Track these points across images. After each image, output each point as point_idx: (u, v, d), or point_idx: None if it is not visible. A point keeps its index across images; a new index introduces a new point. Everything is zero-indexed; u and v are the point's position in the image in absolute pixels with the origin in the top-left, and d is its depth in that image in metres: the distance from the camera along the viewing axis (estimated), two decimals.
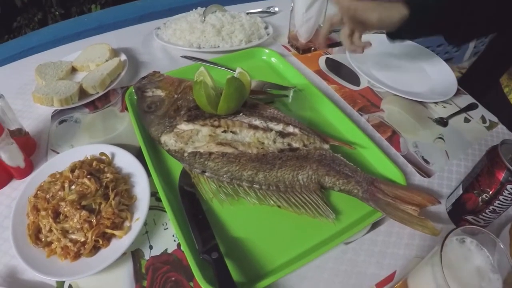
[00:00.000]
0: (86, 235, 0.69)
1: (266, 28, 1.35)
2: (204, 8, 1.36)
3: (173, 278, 0.68)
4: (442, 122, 1.02)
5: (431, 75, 1.18)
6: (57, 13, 2.76)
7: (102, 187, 0.75)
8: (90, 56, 1.17)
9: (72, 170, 0.78)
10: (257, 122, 0.85)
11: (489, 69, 1.31)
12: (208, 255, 0.65)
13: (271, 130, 0.84)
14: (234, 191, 0.78)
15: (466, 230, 0.56)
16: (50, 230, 0.70)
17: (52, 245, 0.69)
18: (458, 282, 0.52)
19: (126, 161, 0.84)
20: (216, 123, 0.85)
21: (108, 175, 0.78)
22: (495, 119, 1.05)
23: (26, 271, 0.69)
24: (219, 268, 0.63)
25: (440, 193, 0.84)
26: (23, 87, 1.11)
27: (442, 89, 1.10)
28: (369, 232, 0.76)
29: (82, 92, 1.04)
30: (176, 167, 0.84)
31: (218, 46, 1.24)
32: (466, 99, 1.11)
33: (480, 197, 0.70)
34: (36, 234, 0.71)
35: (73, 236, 0.69)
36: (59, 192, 0.74)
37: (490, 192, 0.68)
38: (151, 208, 0.77)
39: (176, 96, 0.93)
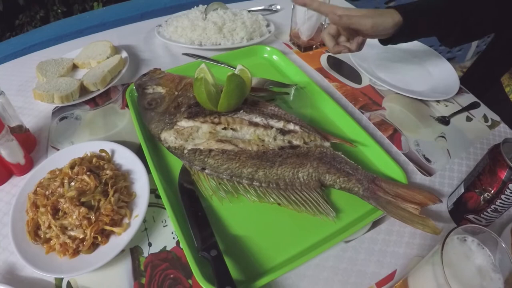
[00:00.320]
0: (85, 232, 0.68)
1: (267, 25, 1.34)
2: (205, 5, 1.35)
3: (171, 276, 0.67)
4: (444, 120, 1.01)
5: (433, 74, 1.18)
6: (59, 10, 2.76)
7: (102, 184, 0.75)
8: (91, 53, 1.17)
9: (72, 167, 0.78)
10: (257, 119, 0.85)
11: (491, 68, 1.30)
12: (207, 252, 0.65)
13: (272, 127, 0.84)
14: (234, 189, 0.78)
15: (467, 229, 0.56)
16: (49, 227, 0.70)
17: (51, 241, 0.69)
18: (459, 282, 0.52)
19: (126, 158, 0.84)
20: (216, 120, 0.84)
21: (108, 172, 0.78)
22: (497, 118, 1.04)
23: (25, 267, 0.69)
24: (218, 265, 0.63)
25: (442, 192, 0.84)
26: (24, 84, 1.11)
27: (444, 87, 1.10)
28: (369, 231, 0.75)
29: (83, 89, 1.04)
30: (176, 164, 0.84)
31: (220, 44, 1.24)
32: (468, 98, 1.10)
33: (482, 196, 0.70)
34: (35, 231, 0.71)
35: (72, 233, 0.69)
36: (59, 189, 0.74)
37: (492, 191, 0.68)
38: (150, 205, 0.77)
39: (176, 93, 0.93)
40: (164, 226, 0.75)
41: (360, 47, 0.99)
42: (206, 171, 0.79)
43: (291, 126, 0.84)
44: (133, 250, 0.71)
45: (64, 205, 0.71)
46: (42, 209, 0.71)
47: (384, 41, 1.02)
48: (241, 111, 0.86)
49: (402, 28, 0.93)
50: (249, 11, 1.38)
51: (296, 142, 0.82)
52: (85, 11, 2.73)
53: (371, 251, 0.72)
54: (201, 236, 0.68)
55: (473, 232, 0.56)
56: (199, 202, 0.76)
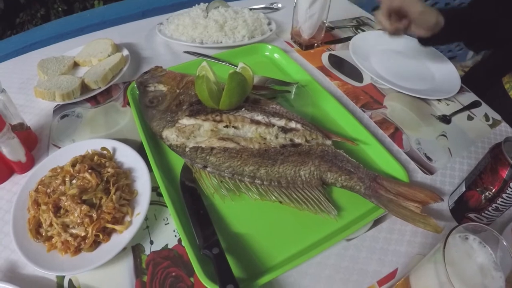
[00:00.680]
0: (87, 230, 0.69)
1: (269, 24, 1.34)
2: (207, 3, 1.35)
3: (173, 274, 0.67)
4: (445, 119, 1.01)
5: (434, 73, 1.18)
6: (60, 9, 2.76)
7: (103, 182, 0.75)
8: (92, 51, 1.16)
9: (73, 165, 0.78)
10: (259, 117, 0.85)
11: (493, 68, 1.30)
12: (209, 250, 0.65)
13: (273, 125, 0.84)
14: (236, 187, 0.78)
15: (469, 227, 0.56)
16: (51, 225, 0.70)
17: (53, 239, 0.69)
18: (460, 280, 0.52)
19: (127, 156, 0.84)
20: (218, 118, 0.84)
21: (109, 169, 0.78)
22: (498, 117, 1.04)
23: (26, 265, 0.69)
24: (220, 263, 0.63)
25: (443, 191, 0.84)
26: (25, 82, 1.11)
27: (445, 86, 1.10)
28: (371, 229, 0.75)
29: (84, 87, 1.04)
30: (177, 162, 0.84)
31: (221, 42, 1.24)
32: (470, 97, 1.10)
33: (483, 195, 0.70)
34: (36, 229, 0.71)
35: (74, 231, 0.69)
36: (60, 187, 0.74)
37: (493, 190, 0.68)
38: (152, 203, 0.76)
39: (178, 91, 0.93)
40: (165, 224, 0.75)
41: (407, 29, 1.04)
42: (208, 169, 0.79)
43: (292, 124, 0.84)
44: (135, 248, 0.71)
45: (66, 203, 0.71)
46: (43, 207, 0.71)
47: (423, 41, 1.07)
48: (243, 109, 0.86)
49: (442, 29, 0.98)
50: (250, 9, 1.38)
51: (297, 140, 0.82)
52: (86, 9, 2.73)
53: (373, 249, 0.72)
54: (203, 234, 0.68)
55: (475, 231, 0.56)
56: (201, 200, 0.76)
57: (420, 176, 0.86)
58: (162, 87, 0.94)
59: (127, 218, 0.73)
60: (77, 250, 0.68)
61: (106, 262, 0.66)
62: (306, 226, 0.74)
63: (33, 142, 0.91)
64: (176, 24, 1.28)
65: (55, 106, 1.01)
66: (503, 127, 1.01)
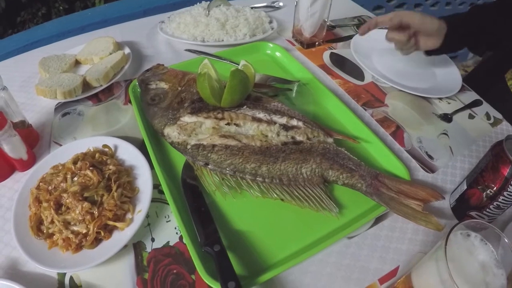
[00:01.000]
0: (88, 227, 0.69)
1: (270, 22, 1.34)
2: (208, 2, 1.35)
3: (174, 271, 0.67)
4: (447, 118, 1.01)
5: (436, 71, 1.18)
6: (61, 7, 2.76)
7: (105, 179, 0.75)
8: (94, 49, 1.16)
9: (75, 162, 0.78)
10: (261, 115, 0.85)
11: (495, 66, 1.30)
12: (211, 247, 0.65)
13: (275, 123, 0.84)
14: (237, 184, 0.78)
15: (470, 225, 0.56)
16: (52, 222, 0.70)
17: (54, 236, 0.69)
18: (462, 277, 0.52)
19: (129, 154, 0.84)
20: (219, 115, 0.84)
21: (111, 167, 0.78)
22: (499, 115, 1.04)
23: (27, 262, 0.69)
24: (221, 261, 0.63)
25: (444, 189, 0.84)
26: (26, 80, 1.11)
27: (447, 85, 1.10)
28: (372, 227, 0.75)
29: (86, 85, 1.04)
30: (179, 160, 0.84)
31: (222, 40, 1.24)
32: (471, 96, 1.10)
33: (485, 193, 0.70)
34: (37, 226, 0.71)
35: (75, 228, 0.69)
36: (62, 184, 0.74)
37: (495, 188, 0.68)
38: (153, 200, 0.76)
39: (179, 88, 0.93)
40: (167, 222, 0.75)
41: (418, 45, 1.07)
42: (209, 166, 0.79)
43: (294, 122, 0.84)
44: (136, 245, 0.71)
45: (67, 200, 0.71)
46: (45, 204, 0.71)
47: (427, 53, 1.09)
48: (245, 106, 0.86)
49: (446, 36, 1.01)
50: (252, 7, 1.38)
51: (299, 138, 0.82)
52: (87, 8, 2.73)
53: (374, 247, 0.72)
54: (204, 231, 0.68)
55: (476, 228, 0.56)
56: (202, 197, 0.76)
57: (421, 174, 0.86)
58: (163, 85, 0.94)
59: (129, 216, 0.73)
60: (79, 247, 0.68)
61: (108, 259, 0.66)
62: (308, 224, 0.74)
63: (35, 139, 0.91)
64: (177, 22, 1.28)
65: (57, 104, 1.01)
66: (504, 125, 1.01)
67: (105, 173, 0.76)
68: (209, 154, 0.79)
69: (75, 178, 0.75)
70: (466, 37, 1.03)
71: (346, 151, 0.81)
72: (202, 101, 0.87)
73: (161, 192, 0.78)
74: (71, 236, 0.68)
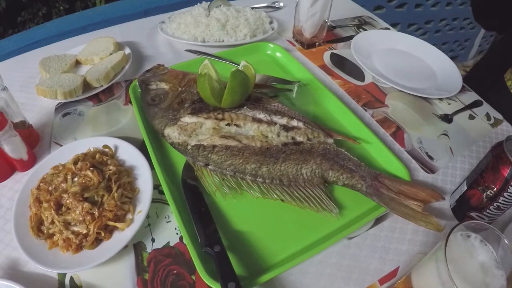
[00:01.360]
0: (88, 227, 0.69)
1: (271, 23, 1.34)
2: (209, 2, 1.35)
3: (175, 271, 0.67)
4: (447, 118, 1.01)
5: (436, 72, 1.18)
6: (61, 7, 2.76)
7: (105, 180, 0.75)
8: (94, 50, 1.17)
9: (75, 162, 0.78)
10: (261, 115, 0.85)
11: (494, 67, 1.31)
12: (211, 248, 0.65)
13: (275, 123, 0.84)
14: (237, 185, 0.78)
15: (470, 226, 0.56)
16: (52, 222, 0.70)
17: (54, 237, 0.69)
18: (462, 278, 0.52)
19: (129, 154, 0.84)
20: (220, 116, 0.84)
21: (111, 167, 0.78)
22: (500, 116, 1.04)
23: (27, 263, 0.69)
24: (221, 261, 0.63)
25: (444, 189, 0.84)
26: (27, 80, 1.11)
27: (447, 85, 1.10)
28: (372, 227, 0.75)
29: (86, 85, 1.04)
30: (179, 160, 0.84)
31: (223, 40, 1.24)
32: (471, 96, 1.10)
33: (485, 194, 0.70)
34: (38, 226, 0.71)
35: (75, 228, 0.69)
36: (62, 184, 0.74)
37: (495, 189, 0.68)
38: (153, 201, 0.77)
39: (180, 89, 0.93)
40: (167, 222, 0.75)
41: None
42: (209, 167, 0.79)
43: (294, 123, 0.85)
44: (136, 246, 0.71)
45: (68, 201, 0.71)
46: (45, 205, 0.71)
47: None
48: (245, 107, 0.86)
49: None
50: (252, 8, 1.38)
51: (299, 138, 0.82)
52: (87, 8, 2.73)
53: (374, 247, 0.72)
54: (204, 231, 0.68)
55: (476, 229, 0.56)
56: (203, 198, 0.76)
57: (421, 175, 0.86)
58: (164, 85, 0.94)
59: (129, 216, 0.73)
60: (79, 248, 0.68)
61: (108, 259, 0.66)
62: (308, 225, 0.74)
63: (35, 140, 0.91)
64: (178, 23, 1.28)
65: (57, 104, 1.02)
66: (505, 126, 1.01)
67: (106, 173, 0.76)
68: (209, 155, 0.79)
69: (76, 179, 0.75)
70: None
71: (346, 152, 0.81)
72: (203, 102, 0.87)
73: (162, 192, 0.78)
74: (71, 236, 0.68)
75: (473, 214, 0.74)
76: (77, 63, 1.16)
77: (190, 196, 0.75)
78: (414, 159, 0.89)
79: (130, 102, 0.99)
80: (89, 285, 0.66)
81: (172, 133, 0.84)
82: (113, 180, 0.75)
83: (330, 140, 0.83)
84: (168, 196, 0.73)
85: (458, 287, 0.47)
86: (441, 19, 3.00)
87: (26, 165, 0.84)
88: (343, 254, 0.71)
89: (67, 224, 0.70)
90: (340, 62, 1.21)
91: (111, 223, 0.70)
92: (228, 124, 0.83)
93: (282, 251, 0.70)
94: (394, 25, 2.78)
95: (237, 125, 0.83)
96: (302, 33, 1.24)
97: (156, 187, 0.79)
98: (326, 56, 1.23)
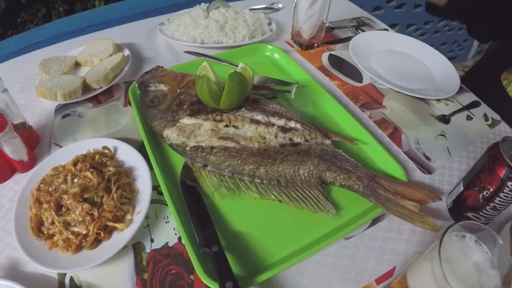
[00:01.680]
0: (88, 228, 0.69)
1: (269, 24, 1.35)
2: (207, 3, 1.36)
3: (173, 271, 0.68)
4: (444, 119, 1.02)
5: (434, 73, 1.18)
6: (61, 8, 2.76)
7: (104, 180, 0.76)
8: (93, 51, 1.17)
9: (75, 164, 0.78)
10: (259, 117, 0.85)
11: (492, 68, 1.31)
12: (209, 248, 0.65)
13: (273, 125, 0.84)
14: (236, 185, 0.78)
15: (465, 226, 0.56)
16: (52, 223, 0.70)
17: (54, 237, 0.70)
18: (456, 277, 0.52)
19: (128, 155, 0.84)
20: (218, 117, 0.85)
21: (111, 168, 0.78)
22: (497, 117, 1.04)
23: (28, 263, 0.69)
24: (219, 261, 0.64)
25: (441, 190, 0.84)
26: (27, 82, 1.12)
27: (445, 86, 1.10)
28: (369, 228, 0.76)
29: (86, 87, 1.04)
30: (178, 161, 0.84)
31: (221, 42, 1.24)
32: (469, 97, 1.11)
33: (481, 194, 0.70)
34: (38, 227, 0.71)
35: (75, 229, 0.70)
36: (62, 185, 0.75)
37: (491, 189, 0.68)
38: (152, 201, 0.77)
39: (179, 90, 0.93)
40: (166, 223, 0.76)
41: None
42: (208, 168, 0.80)
43: (292, 124, 0.85)
44: (136, 246, 0.72)
45: (67, 201, 0.71)
46: (45, 205, 0.71)
47: (430, 8, 1.14)
48: (243, 108, 0.87)
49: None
50: (251, 9, 1.39)
51: (297, 139, 0.83)
52: (87, 9, 2.73)
53: (371, 248, 0.73)
54: (202, 232, 0.69)
55: (471, 229, 0.56)
56: (201, 198, 0.77)
57: (418, 175, 0.87)
58: (163, 87, 0.94)
59: (128, 217, 0.73)
60: (79, 248, 0.69)
61: (107, 259, 0.66)
62: (305, 225, 0.75)
63: (35, 141, 0.92)
64: (177, 24, 1.28)
65: (57, 106, 1.02)
66: (502, 127, 1.02)
67: (105, 174, 0.77)
68: (207, 156, 0.80)
69: (75, 180, 0.75)
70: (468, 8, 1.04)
71: (343, 153, 0.82)
72: (201, 103, 0.88)
73: (160, 193, 0.78)
74: (71, 237, 0.69)
75: (469, 214, 0.75)
76: (77, 65, 1.17)
77: (188, 197, 0.76)
78: (411, 160, 0.90)
79: (130, 104, 0.99)
80: (89, 285, 0.67)
81: (171, 134, 0.84)
82: (112, 181, 0.76)
83: (328, 141, 0.84)
84: (167, 197, 0.74)
85: (453, 287, 0.48)
86: (440, 20, 3.00)
87: (26, 166, 0.85)
88: (340, 254, 0.72)
89: (67, 225, 0.70)
90: (338, 63, 1.22)
91: (110, 223, 0.71)
92: (227, 126, 0.84)
93: (279, 251, 0.70)
94: (393, 25, 2.78)
95: (235, 127, 0.84)
96: (301, 35, 1.25)
97: (155, 188, 0.79)
98: (324, 57, 1.24)
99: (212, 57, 1.16)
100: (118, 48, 1.20)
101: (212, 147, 0.80)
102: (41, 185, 0.76)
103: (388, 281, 0.69)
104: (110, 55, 1.14)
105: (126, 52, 1.18)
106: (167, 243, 0.72)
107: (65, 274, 0.68)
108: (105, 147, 0.85)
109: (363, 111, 1.02)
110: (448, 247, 0.55)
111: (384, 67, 1.18)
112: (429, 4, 1.11)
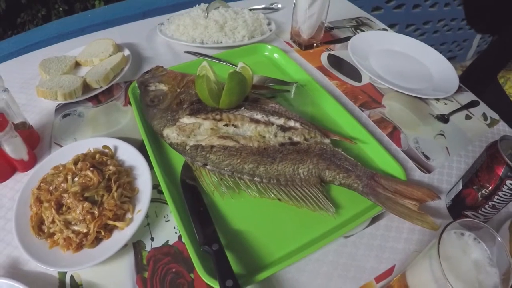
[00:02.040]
0: (89, 227, 0.69)
1: (268, 24, 1.35)
2: (207, 4, 1.36)
3: (173, 270, 0.68)
4: (443, 118, 1.02)
5: (433, 72, 1.18)
6: (60, 9, 2.76)
7: (105, 179, 0.76)
8: (94, 51, 1.17)
9: (75, 163, 0.78)
10: (258, 116, 0.86)
11: (490, 67, 1.31)
12: (209, 246, 0.66)
13: (273, 124, 0.84)
14: (235, 184, 0.78)
15: (464, 224, 0.56)
16: (53, 222, 0.71)
17: (55, 236, 0.70)
18: (455, 275, 0.52)
19: (128, 154, 0.84)
20: (218, 116, 0.85)
21: (111, 167, 0.79)
22: (496, 116, 1.05)
23: (28, 262, 0.70)
24: (219, 259, 0.64)
25: (440, 189, 0.84)
26: (27, 82, 1.12)
27: (444, 86, 1.11)
28: (368, 226, 0.76)
29: (86, 87, 1.05)
30: (178, 160, 0.85)
31: (221, 42, 1.24)
32: (468, 96, 1.11)
33: (480, 193, 0.71)
34: (39, 226, 0.71)
35: (76, 228, 0.70)
36: (62, 184, 0.75)
37: (490, 188, 0.68)
38: (153, 200, 0.77)
39: (178, 90, 0.93)
40: (166, 221, 0.76)
41: None
42: (208, 167, 0.80)
43: (291, 123, 0.85)
44: (136, 245, 0.72)
45: (68, 200, 0.72)
46: (46, 204, 0.72)
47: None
48: (243, 108, 0.87)
49: None
50: (250, 9, 1.39)
51: (296, 138, 0.83)
52: (87, 10, 2.73)
53: (370, 246, 0.73)
54: (202, 230, 0.69)
55: (470, 227, 0.57)
56: (201, 197, 0.77)
57: (417, 174, 0.87)
58: (163, 87, 0.94)
59: (128, 215, 0.74)
60: (79, 247, 0.69)
61: (108, 258, 0.66)
62: (305, 223, 0.75)
63: (35, 140, 0.92)
64: (176, 24, 1.28)
65: (57, 105, 1.02)
66: (501, 126, 1.02)
67: (105, 173, 0.77)
68: (207, 155, 0.80)
69: (76, 179, 0.75)
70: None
71: (342, 152, 0.82)
72: (201, 103, 0.88)
73: (161, 192, 0.78)
74: (71, 235, 0.69)
75: (468, 213, 0.75)
76: (77, 65, 1.17)
77: (188, 195, 0.76)
78: (410, 159, 0.90)
79: (130, 103, 0.99)
80: (89, 283, 0.67)
81: (171, 133, 0.85)
82: (112, 180, 0.76)
83: (327, 140, 0.84)
84: (167, 195, 0.74)
85: (451, 284, 0.48)
86: (439, 20, 3.00)
87: (27, 165, 0.85)
88: (339, 252, 0.72)
89: (67, 224, 0.70)
90: (338, 63, 1.22)
91: (111, 222, 0.71)
92: (226, 125, 0.84)
93: (279, 250, 0.71)
94: (392, 25, 2.78)
95: (235, 126, 0.84)
96: (300, 34, 1.25)
97: (155, 187, 0.79)
98: (324, 57, 1.24)
99: (211, 57, 1.16)
100: (118, 48, 1.20)
101: (212, 146, 0.80)
102: (41, 184, 0.76)
103: (387, 280, 0.69)
104: (110, 55, 1.15)
105: (126, 52, 1.18)
106: (167, 241, 0.73)
107: (65, 272, 0.68)
108: (105, 146, 0.85)
109: (362, 111, 1.03)
110: (447, 245, 0.55)
111: (383, 67, 1.18)
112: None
